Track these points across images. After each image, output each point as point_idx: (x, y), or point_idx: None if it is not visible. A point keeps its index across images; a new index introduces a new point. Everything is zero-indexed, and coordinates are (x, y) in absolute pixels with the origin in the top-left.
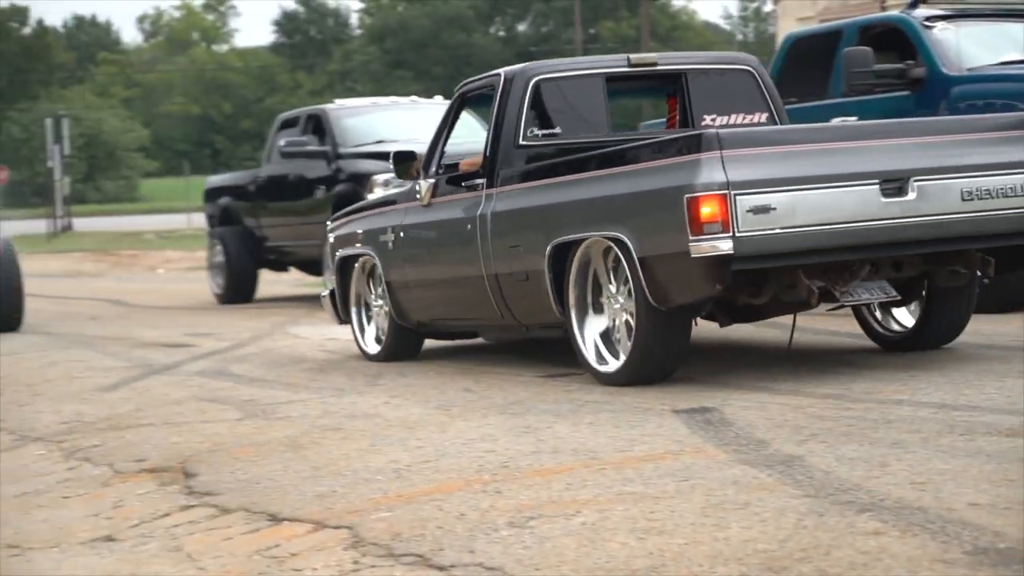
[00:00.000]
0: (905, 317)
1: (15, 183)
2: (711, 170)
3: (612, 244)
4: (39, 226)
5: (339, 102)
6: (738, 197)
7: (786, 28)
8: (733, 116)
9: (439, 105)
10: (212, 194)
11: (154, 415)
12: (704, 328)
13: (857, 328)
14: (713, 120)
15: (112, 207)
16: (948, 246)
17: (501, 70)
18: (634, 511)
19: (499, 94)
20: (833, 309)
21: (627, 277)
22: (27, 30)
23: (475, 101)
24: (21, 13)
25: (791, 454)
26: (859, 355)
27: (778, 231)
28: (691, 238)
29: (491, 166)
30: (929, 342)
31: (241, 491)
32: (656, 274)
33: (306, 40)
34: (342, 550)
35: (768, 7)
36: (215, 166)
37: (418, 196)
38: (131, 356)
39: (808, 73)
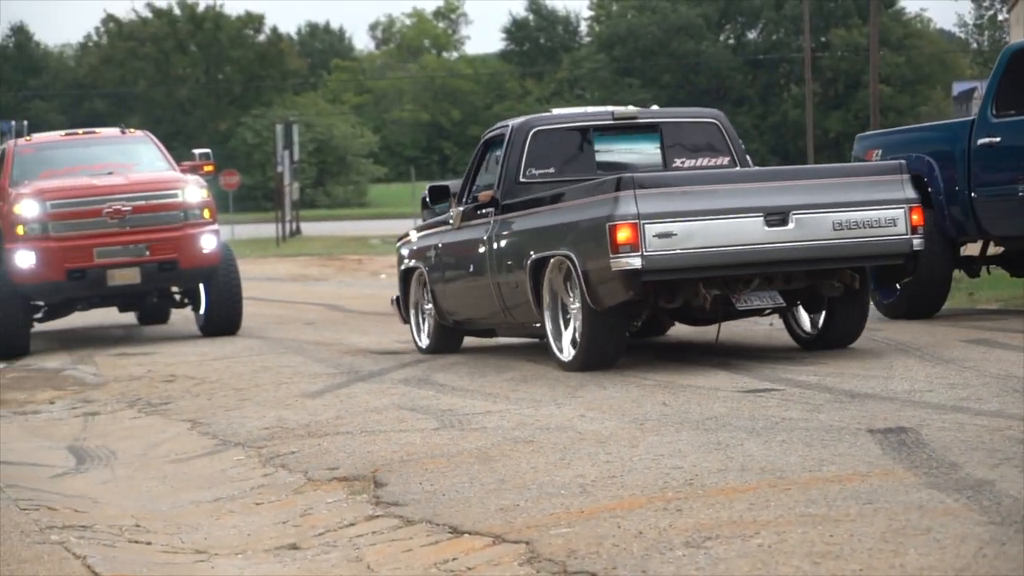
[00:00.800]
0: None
1: (246, 187)
2: (627, 204)
3: (567, 260)
4: (269, 230)
5: (555, 111)
6: (646, 225)
7: (1019, 36)
8: (700, 160)
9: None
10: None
11: (353, 423)
12: (909, 347)
13: None
14: (683, 163)
15: (340, 212)
16: (820, 266)
17: (510, 120)
18: (812, 534)
19: (506, 140)
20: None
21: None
22: (262, 37)
23: (494, 145)
24: (256, 20)
25: (982, 478)
26: None
27: (678, 251)
28: (611, 256)
29: (498, 198)
30: (833, 342)
31: (427, 502)
32: (591, 283)
33: (535, 47)
34: (517, 565)
35: (1003, 16)
36: (443, 172)
37: (451, 221)
38: (339, 362)
39: None
